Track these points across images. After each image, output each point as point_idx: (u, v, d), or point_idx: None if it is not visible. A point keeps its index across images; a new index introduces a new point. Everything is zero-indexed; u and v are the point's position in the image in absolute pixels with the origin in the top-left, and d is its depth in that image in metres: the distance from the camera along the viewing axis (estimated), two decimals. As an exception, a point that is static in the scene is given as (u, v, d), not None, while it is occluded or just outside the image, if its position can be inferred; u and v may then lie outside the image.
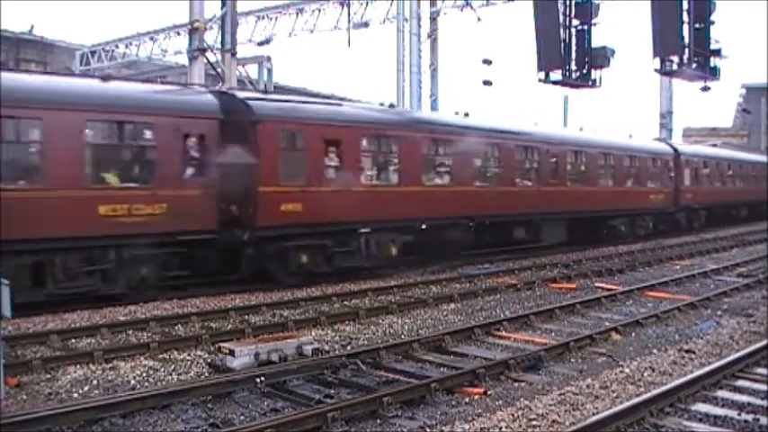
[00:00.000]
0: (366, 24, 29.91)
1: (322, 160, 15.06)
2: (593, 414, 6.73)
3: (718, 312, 12.51)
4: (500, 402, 7.39)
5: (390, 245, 16.48)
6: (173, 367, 8.78)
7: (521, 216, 20.53)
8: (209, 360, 9.06)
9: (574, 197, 22.63)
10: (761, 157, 41.79)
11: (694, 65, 19.22)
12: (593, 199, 23.51)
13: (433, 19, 31.06)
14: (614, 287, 15.05)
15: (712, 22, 19.83)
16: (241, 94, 15.59)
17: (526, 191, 20.85)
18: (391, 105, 20.56)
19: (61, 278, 11.79)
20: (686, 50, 18.88)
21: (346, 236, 15.52)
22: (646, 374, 8.30)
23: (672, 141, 30.77)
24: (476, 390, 7.84)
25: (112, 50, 35.69)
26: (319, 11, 30.95)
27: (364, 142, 16.33)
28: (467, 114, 20.37)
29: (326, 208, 14.62)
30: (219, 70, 21.37)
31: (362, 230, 15.70)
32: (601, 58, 20.16)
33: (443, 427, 6.63)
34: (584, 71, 20.21)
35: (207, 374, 8.58)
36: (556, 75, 20.05)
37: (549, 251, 21.07)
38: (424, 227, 17.20)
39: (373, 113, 17.32)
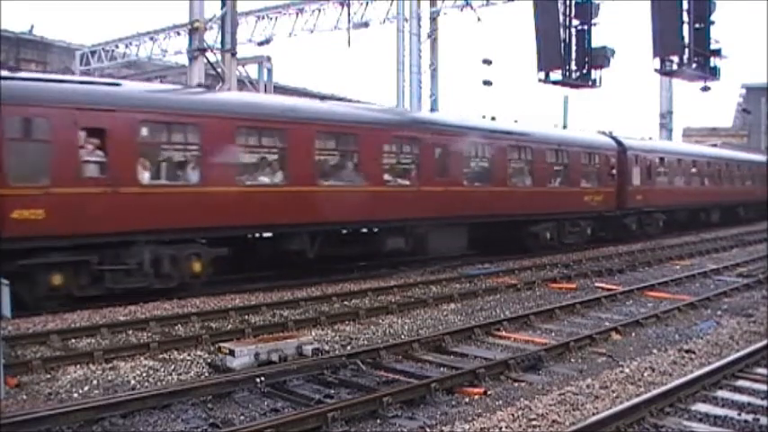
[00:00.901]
0: (366, 24, 29.91)
1: (76, 153, 11.94)
2: (593, 414, 6.72)
3: (718, 312, 12.50)
4: (500, 402, 7.39)
5: (193, 260, 13.38)
6: (173, 367, 8.77)
7: (394, 222, 16.75)
8: (209, 360, 9.06)
9: (474, 199, 18.68)
10: (740, 154, 38.95)
11: (694, 65, 19.26)
12: (503, 201, 19.50)
13: (433, 19, 31.05)
14: (614, 287, 15.05)
15: (712, 22, 19.88)
16: None
17: (400, 192, 16.99)
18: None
19: None
20: (686, 50, 18.92)
21: (120, 250, 12.33)
22: (646, 374, 8.30)
23: (619, 135, 26.42)
24: (476, 390, 7.84)
25: (112, 50, 35.69)
26: (319, 11, 30.95)
27: (144, 130, 13.04)
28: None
29: (85, 214, 11.81)
30: (219, 70, 21.37)
31: (144, 241, 12.51)
32: (601, 58, 20.20)
33: (443, 427, 6.63)
34: (585, 71, 20.25)
35: (207, 374, 8.57)
36: (556, 75, 20.10)
37: (550, 251, 21.03)
38: (255, 236, 14.52)
39: (158, 93, 14.50)
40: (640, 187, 25.98)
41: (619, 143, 25.45)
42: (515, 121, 22.83)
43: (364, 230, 16.58)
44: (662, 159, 28.08)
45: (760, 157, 39.73)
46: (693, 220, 31.17)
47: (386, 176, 16.77)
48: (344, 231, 16.11)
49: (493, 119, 21.58)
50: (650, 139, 31.10)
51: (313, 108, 16.38)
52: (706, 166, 32.51)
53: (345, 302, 13.24)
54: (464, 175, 18.82)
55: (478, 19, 28.68)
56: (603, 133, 26.23)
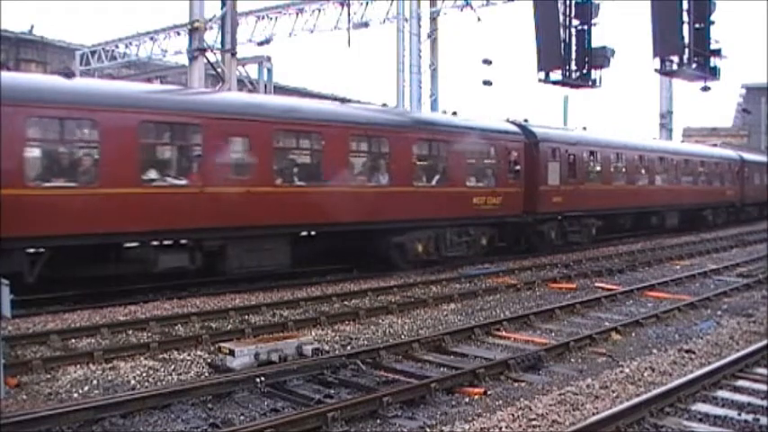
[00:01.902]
0: (366, 24, 29.94)
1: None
2: (593, 414, 6.72)
3: (718, 312, 12.50)
4: (500, 402, 7.39)
5: None
6: (173, 367, 8.78)
7: (175, 233, 13.05)
8: (209, 360, 9.06)
9: (294, 202, 14.49)
10: (706, 149, 35.76)
11: (694, 65, 19.24)
12: (341, 204, 14.78)
13: (433, 19, 31.08)
14: (614, 287, 15.05)
15: (712, 22, 19.86)
16: None
17: (182, 193, 13.03)
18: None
19: None
20: (686, 50, 18.91)
21: None
22: (646, 374, 8.30)
23: (535, 124, 22.01)
24: (476, 390, 7.84)
25: (112, 50, 35.72)
26: (319, 11, 30.99)
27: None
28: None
29: None
30: (219, 70, 21.36)
31: None
32: (601, 58, 20.17)
33: (443, 427, 6.63)
34: (584, 71, 20.23)
35: (207, 374, 8.57)
36: (556, 75, 20.07)
37: (549, 251, 21.02)
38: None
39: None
40: (560, 187, 21.27)
41: (529, 133, 20.74)
42: (384, 105, 20.37)
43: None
44: (593, 153, 23.58)
45: (731, 154, 35.92)
46: (643, 224, 27.37)
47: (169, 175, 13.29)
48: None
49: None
50: (584, 129, 26.99)
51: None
52: (657, 162, 27.73)
53: (345, 302, 13.23)
54: (278, 173, 14.66)
55: (478, 19, 28.75)
56: (513, 122, 21.29)
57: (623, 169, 25.61)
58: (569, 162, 21.92)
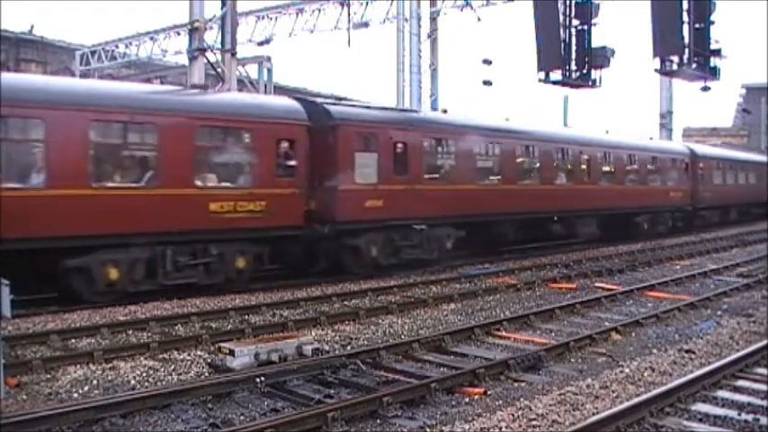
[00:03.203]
0: (366, 24, 29.93)
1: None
2: (593, 414, 6.72)
3: (718, 312, 12.50)
4: (500, 402, 7.39)
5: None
6: (173, 367, 8.78)
7: None
8: (209, 360, 9.06)
9: None
10: (637, 140, 28.34)
11: (694, 65, 19.21)
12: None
13: (433, 19, 31.09)
14: (614, 287, 15.05)
15: (712, 22, 19.83)
16: None
17: None
18: None
19: None
20: (686, 50, 18.88)
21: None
22: (646, 374, 8.30)
23: (340, 98, 18.39)
24: (476, 390, 7.84)
25: (112, 50, 35.69)
26: (319, 11, 30.98)
27: None
28: None
29: None
30: (219, 70, 21.35)
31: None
32: (601, 58, 20.14)
33: (443, 427, 6.63)
34: (585, 71, 20.20)
35: (207, 374, 8.57)
36: (556, 75, 20.04)
37: (549, 251, 21.00)
38: None
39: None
40: (377, 187, 15.94)
41: (320, 112, 15.51)
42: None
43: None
44: (440, 142, 18.26)
45: (676, 147, 31.27)
46: (542, 234, 21.65)
47: None
48: None
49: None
50: (445, 112, 21.67)
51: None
52: (558, 155, 22.16)
53: (345, 302, 13.23)
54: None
55: (478, 19, 28.74)
56: (300, 97, 16.95)
57: (499, 163, 20.20)
58: (396, 153, 16.44)
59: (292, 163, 14.78)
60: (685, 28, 18.84)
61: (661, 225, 27.78)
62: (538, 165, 21.78)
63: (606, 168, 24.78)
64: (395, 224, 16.30)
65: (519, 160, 20.96)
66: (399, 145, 16.67)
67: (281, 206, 14.36)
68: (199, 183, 13.59)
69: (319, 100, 17.40)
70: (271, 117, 14.72)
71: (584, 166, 23.40)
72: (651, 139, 29.82)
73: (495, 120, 21.42)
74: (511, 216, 19.95)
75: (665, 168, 28.16)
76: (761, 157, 40.66)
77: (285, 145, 14.74)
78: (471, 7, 28.77)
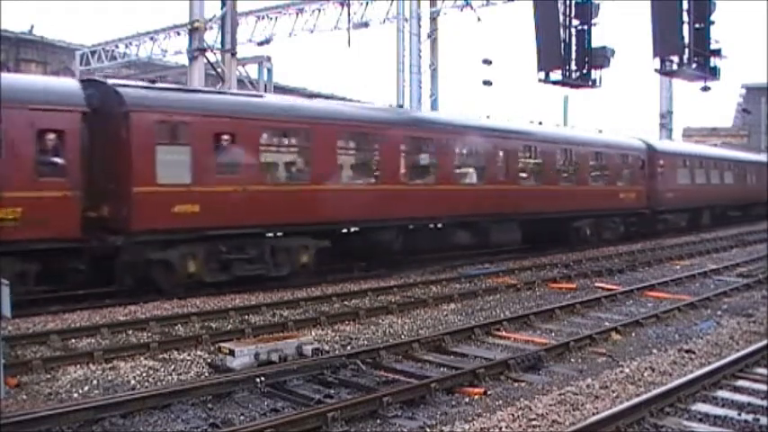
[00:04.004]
0: (366, 24, 29.94)
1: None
2: (593, 414, 6.72)
3: (719, 312, 12.50)
4: (500, 402, 7.39)
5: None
6: (173, 367, 8.78)
7: None
8: (209, 360, 9.06)
9: None
10: (575, 133, 25.07)
11: (694, 65, 19.22)
12: None
13: (433, 19, 31.11)
14: (614, 287, 15.05)
15: (712, 22, 19.84)
16: None
17: None
18: None
19: None
20: (686, 50, 18.89)
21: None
22: (646, 374, 8.29)
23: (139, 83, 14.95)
24: (476, 390, 7.84)
25: (112, 50, 35.72)
26: (319, 11, 30.99)
27: None
28: None
29: None
30: (219, 70, 21.37)
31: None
32: (601, 58, 20.15)
33: (443, 427, 6.63)
34: (585, 71, 20.20)
35: (207, 374, 8.57)
36: (556, 75, 20.05)
37: (550, 251, 20.99)
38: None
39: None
40: (191, 188, 13.05)
41: (103, 95, 12.78)
42: None
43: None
44: (285, 133, 15.26)
45: (628, 141, 26.33)
46: (445, 241, 18.04)
47: None
48: None
49: None
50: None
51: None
52: (462, 149, 18.93)
53: (345, 302, 13.23)
54: None
55: (478, 19, 28.75)
56: (89, 80, 14.47)
57: (378, 160, 16.71)
58: (221, 146, 13.52)
59: (60, 160, 11.84)
60: (685, 28, 18.85)
61: (608, 231, 23.97)
62: (435, 161, 17.96)
63: (532, 165, 21.25)
64: (221, 234, 13.40)
65: (406, 156, 17.27)
66: (225, 137, 13.53)
67: (45, 213, 11.34)
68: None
69: (110, 81, 13.72)
70: (25, 101, 11.46)
71: (500, 164, 19.84)
72: (600, 132, 25.96)
73: (362, 106, 18.33)
74: (393, 222, 16.53)
75: (612, 165, 24.37)
76: (740, 155, 37.36)
77: (51, 136, 11.72)
78: (471, 7, 28.78)
